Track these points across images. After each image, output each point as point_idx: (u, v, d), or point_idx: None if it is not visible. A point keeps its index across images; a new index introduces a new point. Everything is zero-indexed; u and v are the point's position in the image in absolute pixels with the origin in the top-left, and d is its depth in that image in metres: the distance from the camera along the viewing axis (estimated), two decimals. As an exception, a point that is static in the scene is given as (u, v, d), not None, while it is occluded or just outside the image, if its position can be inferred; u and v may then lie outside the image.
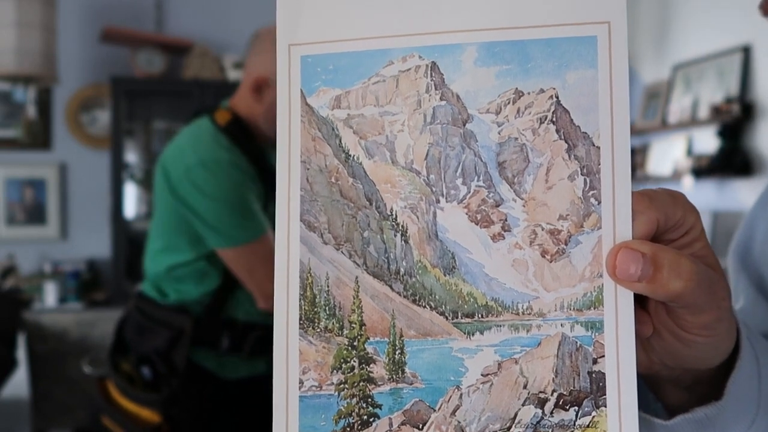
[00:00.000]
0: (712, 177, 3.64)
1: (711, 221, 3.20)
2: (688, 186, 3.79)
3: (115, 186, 3.65)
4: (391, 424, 0.36)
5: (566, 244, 0.36)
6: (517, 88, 0.36)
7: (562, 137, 0.36)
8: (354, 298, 0.37)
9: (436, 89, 0.37)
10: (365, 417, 0.36)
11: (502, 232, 0.36)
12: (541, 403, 0.36)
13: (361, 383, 0.37)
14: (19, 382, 3.13)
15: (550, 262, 0.36)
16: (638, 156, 4.34)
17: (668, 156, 4.08)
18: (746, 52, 3.59)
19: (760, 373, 0.43)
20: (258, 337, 1.65)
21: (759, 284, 0.59)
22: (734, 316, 0.40)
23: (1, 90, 3.76)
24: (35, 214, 3.87)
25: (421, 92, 0.37)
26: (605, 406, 0.35)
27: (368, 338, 0.37)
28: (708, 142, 3.79)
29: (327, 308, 0.37)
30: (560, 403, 0.36)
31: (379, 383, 0.37)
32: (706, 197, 3.83)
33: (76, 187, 3.92)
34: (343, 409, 0.36)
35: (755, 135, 3.53)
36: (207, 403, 1.62)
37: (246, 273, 1.55)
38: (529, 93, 0.36)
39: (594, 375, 0.36)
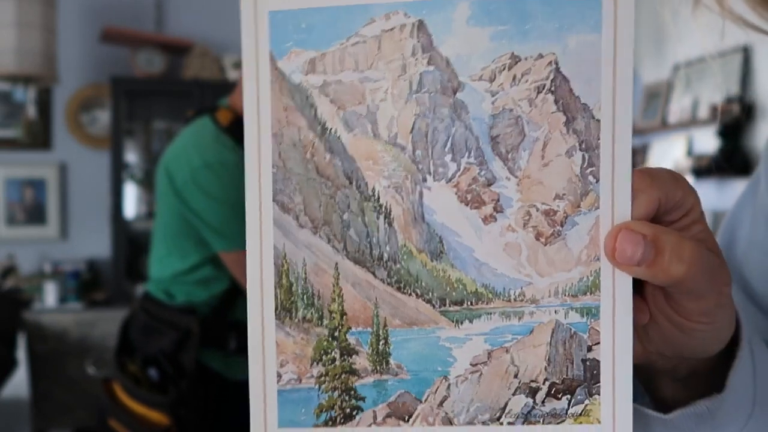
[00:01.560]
0: (712, 177, 3.65)
1: (711, 221, 3.20)
2: (688, 186, 3.80)
3: (115, 186, 3.65)
4: (375, 417, 0.34)
5: (562, 226, 0.34)
6: (513, 53, 0.32)
7: (561, 109, 0.33)
8: (334, 286, 0.34)
9: (423, 52, 0.33)
10: (348, 410, 0.35)
11: (494, 214, 0.34)
12: (533, 392, 0.34)
13: (343, 375, 0.35)
14: (19, 382, 3.13)
15: (545, 245, 0.34)
16: (638, 156, 4.34)
17: (668, 156, 4.09)
18: (746, 52, 3.59)
19: (755, 366, 0.42)
20: None
21: (744, 287, 0.57)
22: (734, 305, 0.39)
23: (1, 90, 3.76)
24: (35, 214, 3.87)
25: (406, 56, 0.33)
26: (599, 395, 0.34)
27: (350, 328, 0.34)
28: (708, 142, 3.79)
29: (305, 297, 0.34)
30: (552, 392, 0.34)
31: (362, 375, 0.35)
32: (706, 197, 3.83)
33: (76, 187, 3.92)
34: (325, 403, 0.35)
35: (755, 135, 3.53)
36: (214, 404, 1.62)
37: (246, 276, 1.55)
38: (526, 58, 0.32)
39: (588, 363, 0.34)
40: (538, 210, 0.34)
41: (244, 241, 1.41)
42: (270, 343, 0.34)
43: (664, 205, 0.35)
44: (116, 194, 3.66)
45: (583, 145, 0.33)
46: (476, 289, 0.34)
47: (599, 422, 0.34)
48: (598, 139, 0.33)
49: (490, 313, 0.34)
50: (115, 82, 3.60)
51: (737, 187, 3.63)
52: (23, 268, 3.75)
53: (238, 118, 1.60)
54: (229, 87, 3.40)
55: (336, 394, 0.35)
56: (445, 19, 0.32)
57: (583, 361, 0.34)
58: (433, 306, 0.34)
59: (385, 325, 0.34)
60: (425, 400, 0.34)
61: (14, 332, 3.17)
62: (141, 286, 3.77)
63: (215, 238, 1.53)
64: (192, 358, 1.55)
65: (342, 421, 0.35)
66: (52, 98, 3.87)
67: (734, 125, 3.55)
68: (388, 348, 0.34)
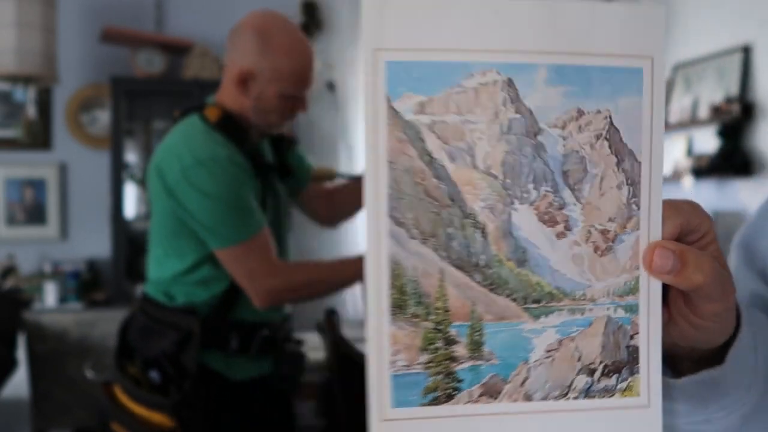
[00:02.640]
0: (712, 177, 3.64)
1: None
2: (688, 186, 3.79)
3: (115, 186, 3.65)
4: (471, 396, 0.42)
5: (613, 242, 0.44)
6: (579, 108, 0.42)
7: (613, 152, 0.43)
8: (439, 288, 0.41)
9: (511, 103, 0.42)
10: (449, 391, 0.42)
11: (565, 231, 0.43)
12: (591, 372, 0.44)
13: (445, 362, 0.42)
14: (19, 382, 3.13)
15: (600, 256, 0.44)
16: (638, 156, 4.34)
17: (668, 156, 4.09)
18: (746, 52, 3.59)
19: (756, 345, 0.52)
20: (265, 337, 1.64)
21: (765, 277, 0.65)
22: (737, 303, 0.49)
23: (1, 90, 3.76)
24: (35, 214, 3.87)
25: (498, 104, 0.41)
26: (638, 373, 0.44)
27: (451, 322, 0.42)
28: (708, 142, 3.79)
29: (415, 296, 0.41)
30: (605, 372, 0.44)
31: (461, 361, 0.42)
32: (706, 197, 3.82)
33: (76, 187, 3.92)
34: (430, 385, 0.42)
35: (755, 135, 3.53)
36: (216, 405, 1.61)
37: (243, 273, 1.54)
38: (588, 112, 0.43)
39: (630, 348, 0.44)
40: (596, 229, 0.44)
41: (239, 237, 1.44)
42: (385, 336, 0.41)
43: (685, 228, 0.45)
44: (116, 194, 3.66)
45: (629, 181, 0.44)
46: (551, 291, 0.43)
47: (639, 395, 0.44)
48: (640, 176, 0.44)
49: (561, 310, 0.43)
50: (115, 82, 3.60)
51: (737, 187, 3.63)
52: (23, 268, 3.75)
53: (226, 114, 1.59)
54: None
55: (440, 377, 0.42)
56: (529, 79, 0.42)
57: (627, 347, 0.44)
58: (518, 304, 0.43)
59: (480, 320, 0.42)
60: (510, 381, 0.43)
61: (14, 332, 3.17)
62: (141, 286, 3.76)
63: (210, 236, 1.52)
64: (193, 359, 1.53)
65: (444, 400, 0.42)
66: (52, 98, 3.87)
67: (734, 125, 3.55)
68: (482, 338, 0.42)
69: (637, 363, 0.44)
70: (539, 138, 0.42)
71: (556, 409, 0.43)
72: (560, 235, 0.43)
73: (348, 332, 2.27)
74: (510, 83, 0.41)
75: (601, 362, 0.44)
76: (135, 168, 3.90)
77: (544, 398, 0.43)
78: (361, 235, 4.11)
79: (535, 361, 0.43)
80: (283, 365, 1.70)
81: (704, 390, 0.50)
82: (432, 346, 0.41)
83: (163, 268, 1.62)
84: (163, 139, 1.65)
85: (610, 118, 0.43)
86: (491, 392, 0.42)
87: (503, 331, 0.43)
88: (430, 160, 0.41)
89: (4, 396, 3.09)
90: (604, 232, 0.44)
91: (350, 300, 4.12)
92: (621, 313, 0.44)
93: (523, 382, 0.43)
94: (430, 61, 0.40)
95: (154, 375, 1.54)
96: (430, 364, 0.41)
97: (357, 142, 4.09)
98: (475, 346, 0.42)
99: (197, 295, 1.59)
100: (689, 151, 3.96)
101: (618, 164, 0.43)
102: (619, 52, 0.42)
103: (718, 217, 3.21)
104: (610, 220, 0.44)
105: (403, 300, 0.41)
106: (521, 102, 0.42)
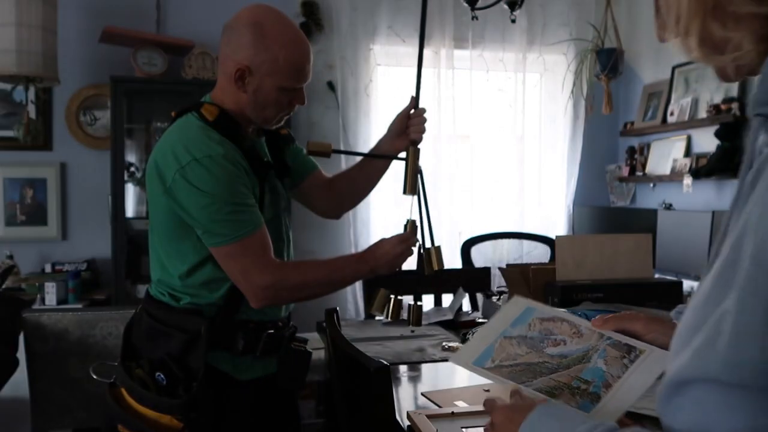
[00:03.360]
0: (711, 177, 3.64)
1: (710, 221, 3.20)
2: (687, 186, 3.79)
3: (115, 186, 3.65)
4: (603, 392, 0.95)
5: (579, 330, 1.07)
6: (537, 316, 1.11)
7: (550, 320, 1.10)
8: (563, 385, 0.95)
9: (510, 337, 1.06)
10: (595, 397, 0.94)
11: (566, 342, 1.04)
12: (623, 357, 0.99)
13: (587, 395, 0.94)
14: (19, 382, 3.13)
15: (581, 336, 1.05)
16: (638, 156, 4.34)
17: (668, 156, 4.09)
18: (746, 52, 3.59)
19: None
20: (270, 336, 1.64)
21: None
22: (671, 324, 1.00)
23: (1, 90, 3.76)
24: (35, 214, 3.87)
25: (513, 345, 1.04)
26: (637, 348, 1.01)
27: (571, 385, 0.95)
28: (707, 142, 3.79)
29: (570, 387, 0.96)
30: (629, 354, 0.99)
31: (589, 390, 0.95)
32: (706, 197, 3.83)
33: (76, 187, 3.92)
34: (592, 399, 0.94)
35: (755, 135, 3.53)
36: (224, 405, 1.60)
37: (237, 271, 1.54)
38: (530, 322, 1.10)
39: (626, 345, 1.02)
40: (572, 331, 1.07)
41: (235, 234, 1.54)
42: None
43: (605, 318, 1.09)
44: (116, 194, 3.65)
45: (562, 318, 1.10)
46: (584, 355, 1.01)
47: (646, 350, 1.00)
48: (561, 315, 1.11)
49: (592, 354, 1.01)
50: (115, 82, 3.60)
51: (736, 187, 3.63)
52: (23, 268, 3.75)
53: (223, 111, 1.59)
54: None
55: (588, 397, 0.94)
56: (505, 331, 1.09)
57: (624, 345, 1.02)
58: (579, 364, 1.00)
59: (579, 377, 0.97)
60: (607, 378, 0.96)
61: (15, 332, 3.17)
62: (141, 286, 3.76)
63: (206, 233, 1.51)
64: (201, 360, 1.52)
65: (598, 400, 0.92)
66: (52, 98, 3.87)
67: (733, 125, 3.55)
68: (585, 377, 0.97)
69: (630, 344, 1.01)
70: (527, 336, 1.05)
71: (631, 373, 0.95)
72: (566, 344, 1.03)
73: (348, 332, 2.27)
74: (505, 337, 1.06)
75: (624, 352, 1.00)
76: (135, 168, 3.89)
77: (625, 373, 0.95)
78: (360, 233, 4.11)
79: (606, 369, 0.97)
80: (289, 364, 1.70)
81: None
82: (579, 392, 0.93)
83: (165, 269, 1.61)
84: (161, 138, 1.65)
85: (534, 311, 1.10)
86: (607, 386, 0.94)
87: (586, 372, 0.97)
88: (513, 367, 0.99)
89: (4, 396, 3.09)
90: (575, 332, 1.04)
91: (350, 300, 4.12)
92: (611, 341, 1.02)
93: (612, 376, 0.95)
94: (482, 351, 1.03)
95: (160, 377, 1.54)
96: (586, 397, 0.93)
97: (357, 142, 4.09)
98: (587, 382, 0.95)
99: (202, 295, 1.58)
100: (688, 151, 3.96)
101: (557, 321, 1.08)
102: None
103: (717, 216, 3.21)
104: (570, 328, 1.06)
105: (570, 396, 0.94)
106: (513, 335, 1.06)
